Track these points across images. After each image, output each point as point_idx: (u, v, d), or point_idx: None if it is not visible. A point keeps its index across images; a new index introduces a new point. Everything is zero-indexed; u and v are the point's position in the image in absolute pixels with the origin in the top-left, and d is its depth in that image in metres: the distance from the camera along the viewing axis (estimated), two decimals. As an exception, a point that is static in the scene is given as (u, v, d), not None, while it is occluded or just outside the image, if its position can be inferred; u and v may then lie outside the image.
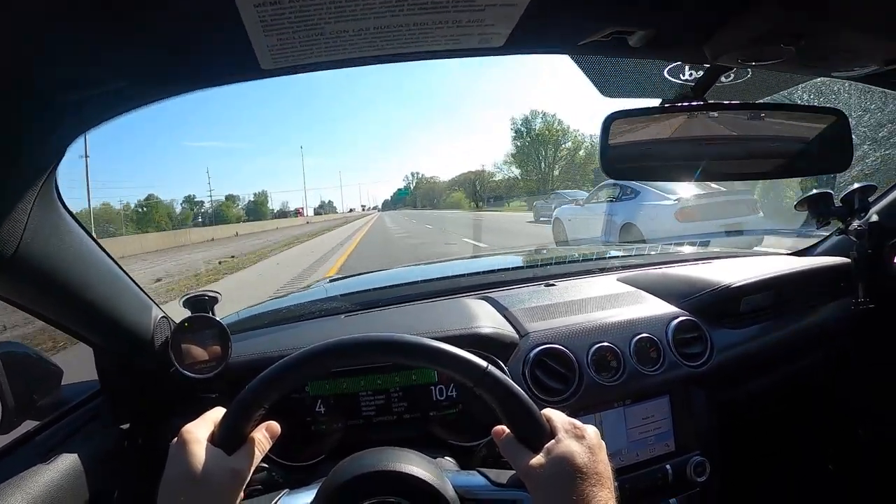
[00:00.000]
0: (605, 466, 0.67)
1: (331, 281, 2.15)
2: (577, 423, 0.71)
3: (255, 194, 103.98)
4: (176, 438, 0.68)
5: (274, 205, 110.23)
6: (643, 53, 0.70)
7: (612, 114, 0.78)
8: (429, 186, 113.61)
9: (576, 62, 0.79)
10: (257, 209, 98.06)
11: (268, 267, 13.87)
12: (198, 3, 0.49)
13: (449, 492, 0.70)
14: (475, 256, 3.30)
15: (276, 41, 0.56)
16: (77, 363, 1.11)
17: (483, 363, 0.71)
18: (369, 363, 1.06)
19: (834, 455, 1.66)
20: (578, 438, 0.68)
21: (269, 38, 0.55)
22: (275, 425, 0.74)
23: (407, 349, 0.72)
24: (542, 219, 20.37)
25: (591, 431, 0.70)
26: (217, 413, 0.72)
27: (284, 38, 0.56)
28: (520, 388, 0.71)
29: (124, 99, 0.65)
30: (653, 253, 1.90)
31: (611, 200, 8.51)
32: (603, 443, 0.70)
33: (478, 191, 77.86)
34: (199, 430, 0.68)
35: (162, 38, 0.54)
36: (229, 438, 0.68)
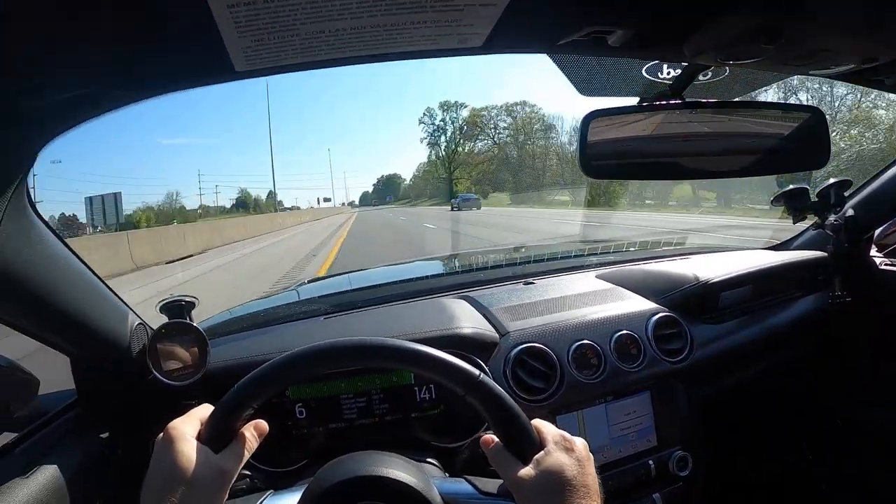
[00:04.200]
0: (593, 479, 0.67)
1: (310, 282, 2.14)
2: (567, 435, 0.70)
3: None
4: (161, 435, 0.66)
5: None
6: (622, 52, 0.69)
7: (591, 113, 0.77)
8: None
9: (554, 61, 0.78)
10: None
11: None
12: (169, 4, 0.48)
13: (436, 499, 0.69)
14: (454, 255, 3.29)
15: (251, 42, 0.55)
16: (54, 371, 1.08)
17: (476, 371, 0.70)
18: (359, 366, 1.04)
19: (813, 445, 1.69)
20: (567, 451, 0.68)
21: (243, 40, 0.54)
22: (263, 424, 0.72)
23: (398, 354, 0.71)
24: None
25: (579, 444, 0.69)
26: (205, 410, 0.70)
27: (259, 39, 0.54)
28: (511, 399, 0.70)
29: (92, 103, 0.63)
30: (631, 249, 1.91)
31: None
32: (591, 455, 0.70)
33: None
34: (186, 427, 0.67)
35: (130, 40, 0.53)
36: (217, 436, 0.67)
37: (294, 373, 0.71)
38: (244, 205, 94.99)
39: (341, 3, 0.50)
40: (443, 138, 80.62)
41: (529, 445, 0.68)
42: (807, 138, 0.87)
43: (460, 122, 77.77)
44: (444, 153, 79.65)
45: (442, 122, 79.38)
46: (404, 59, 0.66)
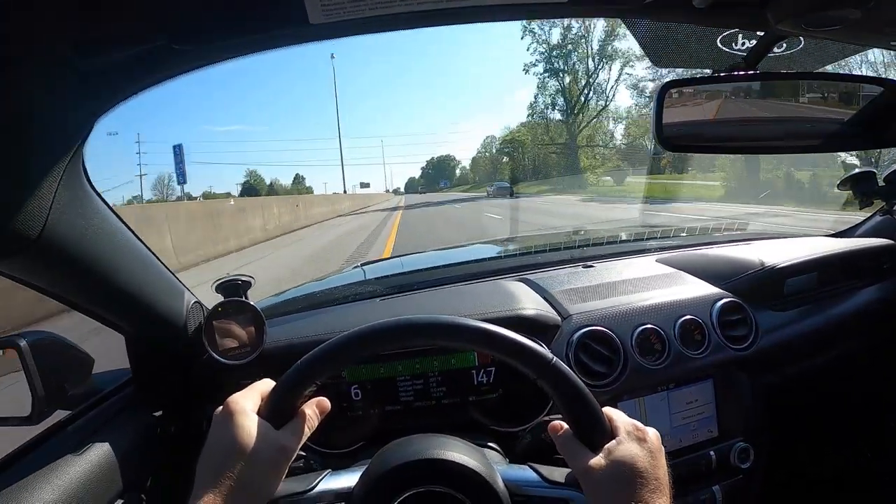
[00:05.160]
0: (664, 472, 0.65)
1: (365, 264, 2.13)
2: (640, 424, 0.69)
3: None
4: (221, 408, 0.66)
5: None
6: (706, 18, 0.68)
7: (667, 83, 0.76)
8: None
9: (629, 28, 0.77)
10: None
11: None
12: None
13: (499, 485, 0.68)
14: (510, 238, 3.27)
15: None
16: (107, 352, 1.10)
17: (549, 354, 0.69)
18: (429, 346, 1.04)
19: (875, 440, 1.63)
20: (640, 441, 0.66)
21: None
22: (325, 402, 0.72)
23: (471, 333, 0.70)
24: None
25: (652, 434, 0.68)
26: (266, 385, 0.70)
27: None
28: (584, 385, 0.68)
29: (157, 64, 0.62)
30: (691, 234, 1.87)
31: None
32: (663, 448, 0.68)
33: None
34: (247, 401, 0.66)
35: None
36: (278, 412, 0.67)
37: (362, 349, 0.70)
38: (253, 190, 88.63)
39: None
40: (568, 61, 48.54)
41: (600, 434, 0.67)
42: (883, 113, 0.84)
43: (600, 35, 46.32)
44: (566, 90, 48.47)
45: (563, 40, 47.55)
46: (486, 19, 0.63)
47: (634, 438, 0.66)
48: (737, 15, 0.68)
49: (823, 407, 1.57)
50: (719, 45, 0.81)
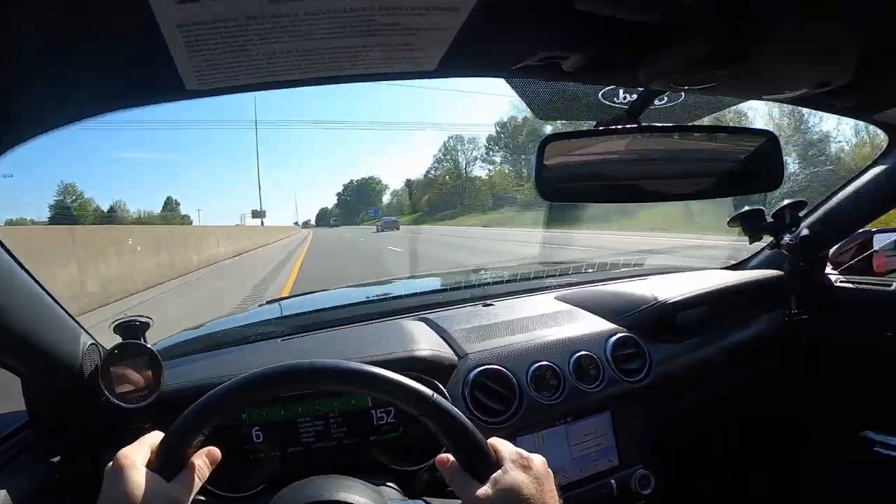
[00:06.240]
0: (552, 497, 0.67)
1: (268, 302, 2.11)
2: (524, 452, 0.70)
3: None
4: (111, 463, 0.64)
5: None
6: (577, 77, 0.70)
7: (548, 136, 0.77)
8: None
9: (510, 85, 0.79)
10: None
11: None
12: (116, 21, 0.47)
13: None
14: (412, 276, 3.30)
15: (202, 62, 0.54)
16: (6, 393, 1.04)
17: (429, 391, 0.70)
18: (312, 390, 1.02)
19: (775, 462, 1.72)
20: (525, 469, 0.67)
21: (193, 59, 0.53)
22: (215, 451, 0.71)
23: (351, 376, 0.71)
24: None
25: (537, 461, 0.69)
26: (155, 437, 0.69)
27: (210, 59, 0.54)
28: (465, 417, 0.70)
29: (36, 120, 0.62)
30: (590, 270, 1.93)
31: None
32: (550, 472, 0.69)
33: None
34: (136, 455, 0.65)
35: (76, 56, 0.51)
36: (168, 464, 0.66)
37: (244, 397, 0.71)
38: (70, 218, 62.76)
39: (292, 26, 0.50)
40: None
41: (486, 464, 0.68)
42: (761, 161, 0.88)
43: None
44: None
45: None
46: (357, 81, 0.66)
47: (519, 466, 0.67)
48: (609, 75, 0.70)
49: (722, 432, 1.64)
50: (601, 98, 0.84)
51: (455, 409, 0.70)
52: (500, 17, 0.53)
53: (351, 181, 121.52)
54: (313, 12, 0.48)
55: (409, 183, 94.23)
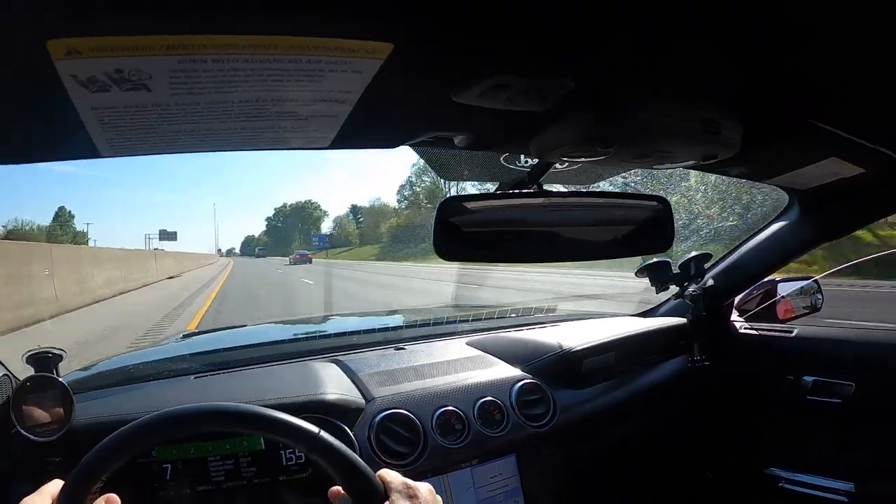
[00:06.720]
0: None
1: (184, 336, 2.06)
2: (410, 482, 0.73)
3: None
4: None
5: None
6: (471, 149, 0.73)
7: (448, 198, 0.80)
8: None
9: (413, 149, 0.81)
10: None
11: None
12: (37, 100, 0.50)
13: None
14: (328, 316, 3.29)
15: (115, 135, 0.59)
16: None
17: (314, 429, 0.73)
18: (198, 432, 1.02)
19: (683, 499, 1.79)
20: (411, 498, 0.70)
21: (107, 133, 0.57)
22: (114, 498, 0.72)
23: (239, 418, 0.73)
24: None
25: (424, 490, 0.72)
26: (55, 486, 0.69)
27: (121, 133, 0.58)
28: (351, 451, 0.73)
29: None
30: (502, 316, 1.98)
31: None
32: (439, 498, 0.73)
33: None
34: None
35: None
36: None
37: (136, 444, 0.73)
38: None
39: (193, 110, 0.54)
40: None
41: (374, 495, 0.71)
42: (653, 225, 0.93)
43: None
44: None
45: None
46: (256, 150, 0.70)
47: (406, 496, 0.70)
48: (501, 147, 0.74)
49: (628, 474, 1.70)
50: (503, 162, 0.88)
51: (340, 444, 0.73)
52: (385, 106, 0.56)
53: (284, 205, 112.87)
54: (212, 102, 0.52)
55: (354, 209, 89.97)
